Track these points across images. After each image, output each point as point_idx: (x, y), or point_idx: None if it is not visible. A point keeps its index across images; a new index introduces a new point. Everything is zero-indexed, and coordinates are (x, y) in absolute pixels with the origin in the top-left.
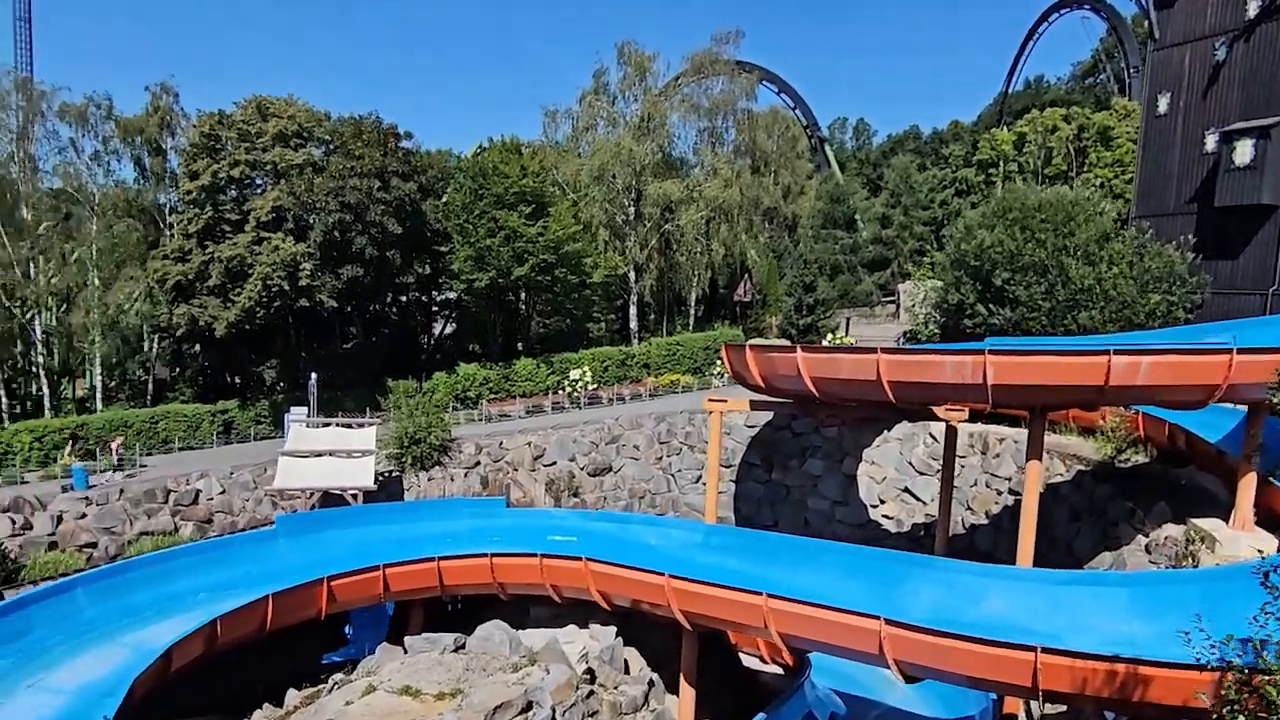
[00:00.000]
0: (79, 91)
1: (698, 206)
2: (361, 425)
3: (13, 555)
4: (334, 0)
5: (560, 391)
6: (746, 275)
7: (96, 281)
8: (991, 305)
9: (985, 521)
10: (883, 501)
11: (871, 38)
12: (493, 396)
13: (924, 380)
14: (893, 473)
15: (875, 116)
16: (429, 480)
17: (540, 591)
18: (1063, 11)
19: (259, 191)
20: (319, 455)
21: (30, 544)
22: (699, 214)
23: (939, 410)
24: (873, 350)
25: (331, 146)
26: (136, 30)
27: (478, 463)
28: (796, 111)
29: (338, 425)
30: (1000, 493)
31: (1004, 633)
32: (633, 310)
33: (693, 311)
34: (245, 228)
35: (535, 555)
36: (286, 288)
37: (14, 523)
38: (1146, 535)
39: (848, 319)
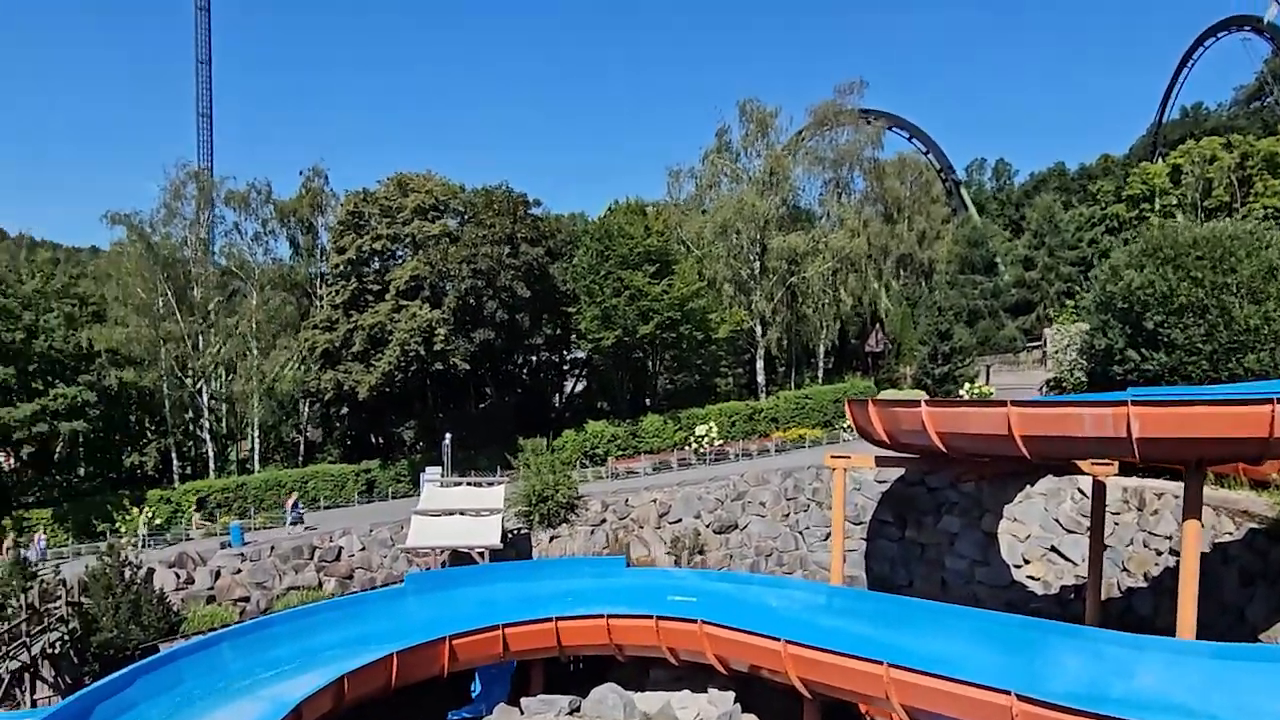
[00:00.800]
0: (242, 179)
1: (824, 258)
2: (491, 484)
3: (175, 608)
4: (470, 78)
5: (686, 447)
6: (878, 325)
7: (255, 351)
8: (1144, 350)
9: (1144, 584)
10: (1027, 561)
11: (1009, 75)
12: (620, 453)
13: (1061, 435)
14: (1038, 530)
15: (1016, 155)
16: (556, 538)
17: (657, 654)
18: (1220, 35)
19: (399, 262)
20: (449, 514)
21: (191, 598)
22: (825, 265)
23: (1083, 465)
24: (1003, 403)
25: (466, 217)
26: (295, 114)
27: (603, 520)
28: (929, 156)
29: (468, 484)
30: (1160, 553)
31: (1155, 713)
32: (759, 364)
33: (821, 364)
34: (386, 297)
35: (651, 617)
36: (422, 352)
37: (178, 577)
38: None
39: (988, 367)
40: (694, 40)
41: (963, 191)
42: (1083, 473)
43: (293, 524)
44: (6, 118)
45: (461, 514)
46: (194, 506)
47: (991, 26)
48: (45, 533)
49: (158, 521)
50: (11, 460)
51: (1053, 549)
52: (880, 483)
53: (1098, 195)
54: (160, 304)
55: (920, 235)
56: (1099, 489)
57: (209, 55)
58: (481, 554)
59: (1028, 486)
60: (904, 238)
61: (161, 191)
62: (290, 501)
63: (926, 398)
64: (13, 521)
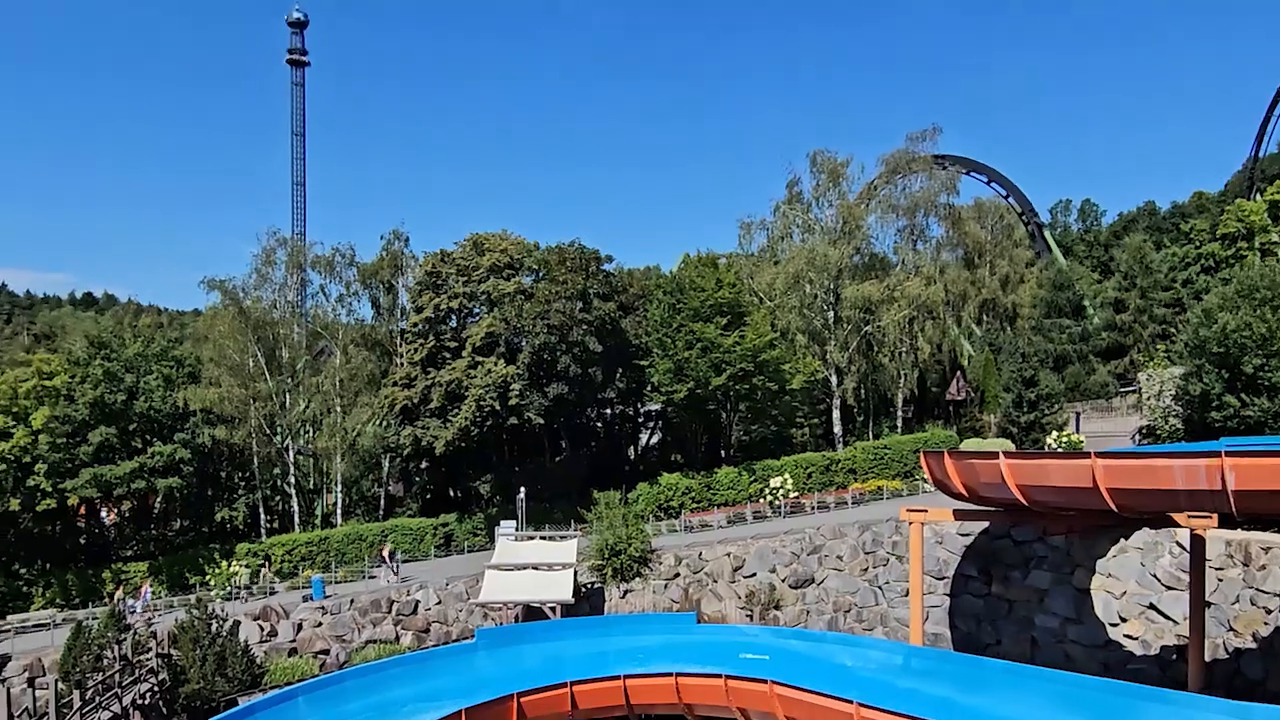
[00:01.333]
0: (330, 238)
1: (899, 306)
2: (564, 538)
3: (259, 660)
4: (545, 138)
5: (761, 500)
6: (959, 372)
7: (339, 408)
8: (1244, 395)
9: (1253, 645)
10: (1124, 619)
11: (1092, 116)
12: (694, 506)
13: (1150, 488)
14: (1134, 587)
15: (1103, 195)
16: (629, 592)
17: (728, 714)
18: None
19: (475, 319)
20: (522, 569)
21: (274, 650)
22: (901, 313)
23: (1179, 518)
24: (1086, 455)
25: (539, 274)
26: (378, 175)
27: (677, 574)
28: (1009, 199)
29: (541, 538)
30: (1270, 611)
31: None
32: (836, 414)
33: (900, 413)
34: (462, 353)
35: (720, 676)
36: (497, 407)
37: (262, 629)
38: None
39: (1078, 414)
40: (768, 92)
41: (1046, 234)
42: (1180, 525)
43: (392, 574)
44: (122, 189)
45: (534, 568)
46: (263, 563)
47: (1071, 68)
48: (149, 585)
49: (245, 576)
50: (113, 515)
51: (1151, 606)
52: (963, 536)
53: (1191, 234)
54: (251, 364)
55: (1003, 280)
56: (1198, 543)
57: (303, 128)
58: (553, 609)
59: (1122, 539)
60: (985, 283)
61: (254, 257)
62: (387, 551)
63: (1008, 448)
64: (112, 574)
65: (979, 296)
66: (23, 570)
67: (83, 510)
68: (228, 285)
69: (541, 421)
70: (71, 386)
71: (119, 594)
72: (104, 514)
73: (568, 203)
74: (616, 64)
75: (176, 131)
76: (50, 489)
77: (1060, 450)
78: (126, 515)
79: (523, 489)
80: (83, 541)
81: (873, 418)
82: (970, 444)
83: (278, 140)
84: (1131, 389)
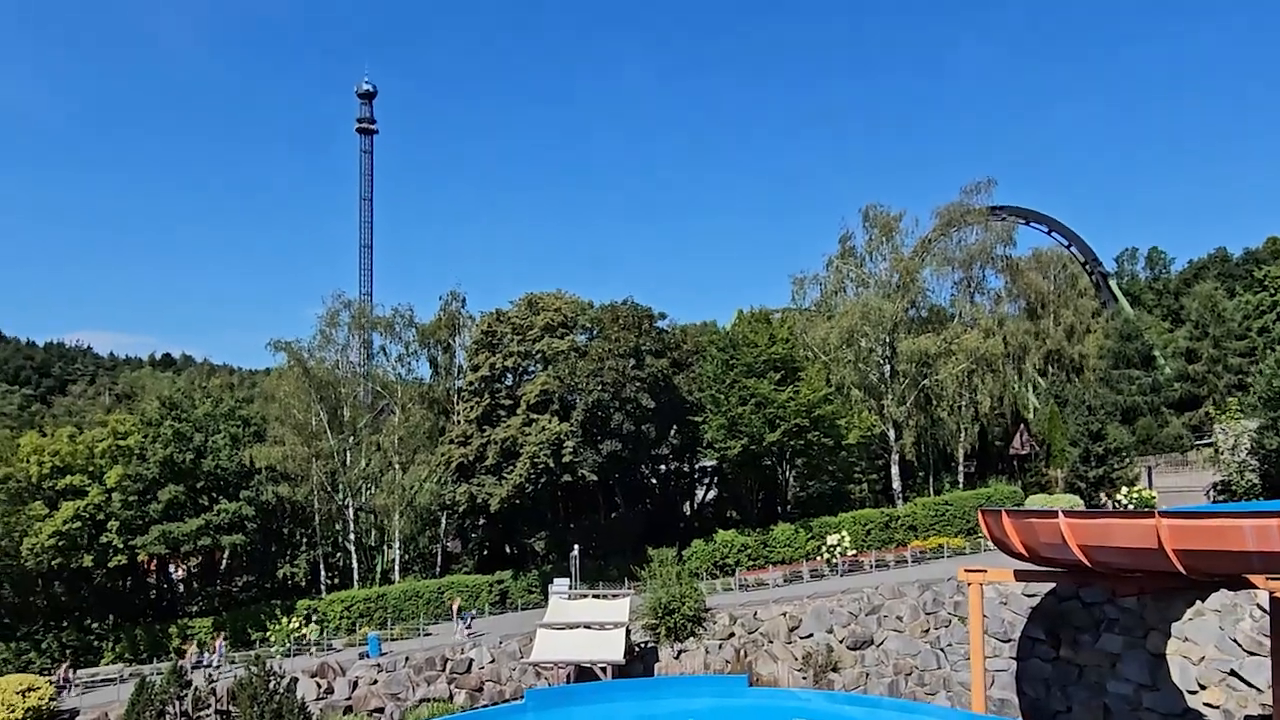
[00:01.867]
0: (392, 296)
1: (956, 359)
2: (616, 596)
3: (315, 717)
4: (596, 198)
5: (818, 558)
6: (1022, 425)
7: (397, 465)
8: None
9: None
10: (1203, 687)
11: (1157, 164)
12: (749, 564)
13: (1220, 549)
14: (1213, 651)
15: (1171, 243)
16: (682, 652)
17: None
18: None
19: (529, 377)
20: (574, 628)
21: (330, 707)
22: (959, 367)
23: (1256, 580)
24: (1150, 514)
25: (593, 332)
26: (438, 233)
27: (731, 634)
28: (1071, 249)
29: (594, 597)
30: None
31: None
32: (895, 470)
33: (961, 467)
34: (517, 411)
35: None
36: (551, 464)
37: (319, 687)
38: None
39: (1150, 468)
40: (818, 146)
41: (1111, 283)
42: (1258, 587)
43: (464, 630)
44: (199, 253)
45: (586, 627)
46: (304, 622)
47: (1134, 114)
48: (223, 639)
49: (304, 633)
50: (181, 571)
51: (1232, 673)
52: (1029, 596)
53: (1266, 281)
54: (314, 422)
55: (1068, 330)
56: (1277, 607)
57: (371, 193)
58: (604, 669)
59: (1198, 601)
60: (1050, 333)
61: (318, 319)
62: (456, 607)
63: (1075, 505)
64: (178, 629)
65: (1043, 348)
66: (94, 625)
67: (152, 565)
68: (293, 347)
69: (595, 478)
70: (144, 446)
71: (190, 649)
72: (172, 569)
73: (622, 260)
74: (668, 122)
75: (252, 194)
76: (121, 545)
77: (1129, 508)
78: (193, 571)
79: (576, 546)
80: (152, 596)
81: (933, 473)
82: (1035, 500)
83: (343, 201)
84: (1207, 442)
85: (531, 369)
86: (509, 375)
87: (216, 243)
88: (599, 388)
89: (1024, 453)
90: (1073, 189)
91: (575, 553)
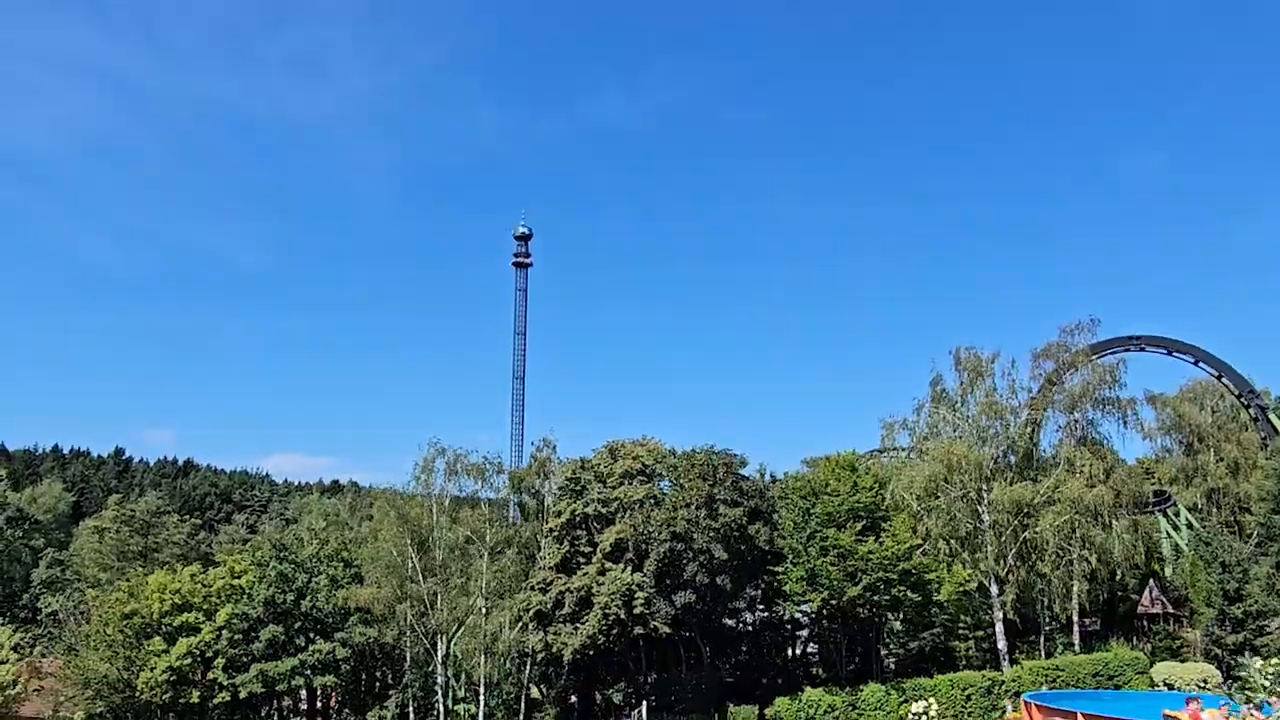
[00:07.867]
0: (478, 453)
1: (1059, 510)
2: None
3: None
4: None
5: None
6: (1152, 580)
7: (482, 609)
8: None
9: None
10: None
11: None
12: None
13: None
14: None
15: None
16: None
17: None
18: None
19: (608, 524)
20: None
21: None
22: (1060, 519)
23: None
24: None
25: (673, 480)
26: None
27: None
28: (1223, 380)
29: None
30: None
31: None
32: (999, 628)
33: (1078, 626)
34: (593, 558)
35: None
36: (623, 615)
37: None
38: None
39: None
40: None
41: (1271, 417)
42: None
43: None
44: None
45: None
46: None
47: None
48: None
49: None
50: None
51: None
52: None
53: None
54: (408, 566)
55: (1232, 466)
56: None
57: (524, 328)
58: None
59: None
60: (1211, 469)
61: (415, 466)
62: None
63: (1199, 679)
64: None
65: (1203, 485)
66: None
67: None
68: (388, 493)
69: (668, 630)
70: (253, 585)
71: None
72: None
73: (710, 406)
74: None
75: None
76: (225, 683)
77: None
78: (288, 713)
79: (644, 702)
80: None
81: (1044, 633)
82: (1160, 669)
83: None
84: None
85: (611, 516)
86: (589, 522)
87: (390, 369)
88: (670, 537)
89: (1154, 611)
90: (1218, 312)
91: (643, 709)
